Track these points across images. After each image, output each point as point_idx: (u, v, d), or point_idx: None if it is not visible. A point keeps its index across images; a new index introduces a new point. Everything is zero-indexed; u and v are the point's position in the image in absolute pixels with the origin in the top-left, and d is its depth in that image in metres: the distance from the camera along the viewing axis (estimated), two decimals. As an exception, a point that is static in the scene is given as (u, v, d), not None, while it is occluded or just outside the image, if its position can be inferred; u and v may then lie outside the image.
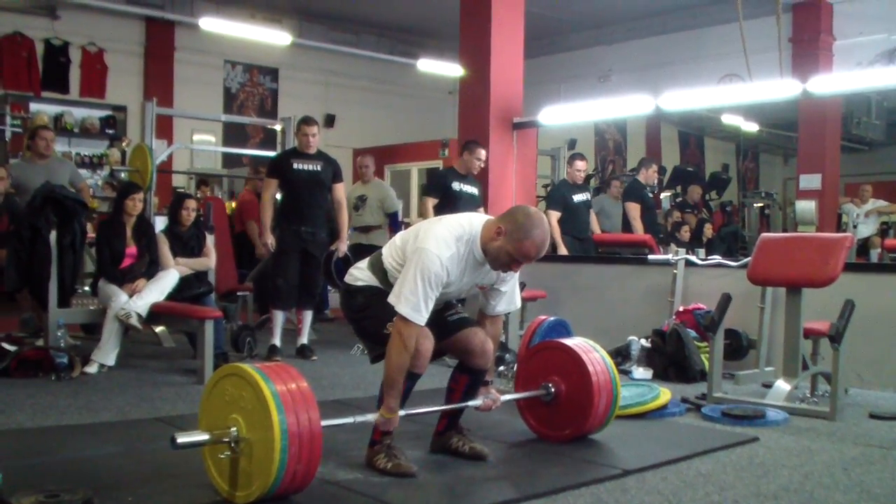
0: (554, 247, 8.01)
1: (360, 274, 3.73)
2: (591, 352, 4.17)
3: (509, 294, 3.80)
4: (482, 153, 7.44)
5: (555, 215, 8.18)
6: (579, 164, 8.47)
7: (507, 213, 3.51)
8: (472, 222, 3.52)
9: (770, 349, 6.28)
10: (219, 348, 6.11)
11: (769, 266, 5.46)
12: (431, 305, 3.42)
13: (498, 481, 3.57)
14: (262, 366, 3.18)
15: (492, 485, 3.52)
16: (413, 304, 3.35)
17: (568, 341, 4.28)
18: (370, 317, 3.65)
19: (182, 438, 3.05)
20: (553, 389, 4.13)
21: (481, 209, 7.49)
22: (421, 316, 3.38)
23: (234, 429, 3.07)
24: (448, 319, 3.74)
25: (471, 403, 3.80)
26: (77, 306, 6.55)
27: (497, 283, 3.71)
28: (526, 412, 4.31)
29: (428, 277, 3.36)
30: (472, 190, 7.46)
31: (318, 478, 3.42)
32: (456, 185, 7.40)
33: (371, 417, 3.51)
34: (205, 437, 3.10)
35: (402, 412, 3.53)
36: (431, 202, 7.51)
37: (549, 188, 8.32)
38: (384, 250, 3.69)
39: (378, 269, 3.67)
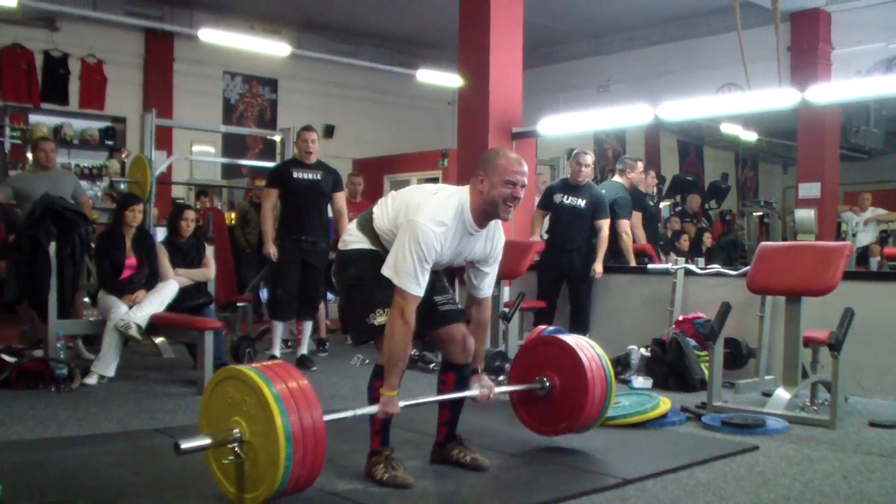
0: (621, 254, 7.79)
1: (350, 238, 3.73)
2: (585, 347, 4.19)
3: (491, 277, 3.83)
4: (585, 159, 7.36)
5: (637, 216, 7.94)
6: (652, 176, 8.32)
7: (477, 165, 3.60)
8: (461, 196, 3.56)
9: (770, 358, 6.27)
10: (219, 359, 6.10)
11: (769, 275, 5.46)
12: (427, 276, 3.47)
13: (498, 491, 3.57)
14: (261, 366, 3.17)
15: (492, 495, 3.52)
16: (411, 277, 3.40)
17: (563, 336, 4.30)
18: (358, 300, 3.65)
19: (186, 444, 3.04)
20: (548, 384, 4.14)
21: (603, 223, 7.35)
22: (419, 288, 3.43)
23: (236, 430, 3.06)
24: (439, 308, 3.76)
25: (468, 394, 3.80)
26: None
27: (481, 263, 3.75)
28: (520, 407, 4.33)
29: (420, 251, 3.40)
30: (575, 202, 7.33)
31: (318, 488, 3.43)
32: (557, 198, 7.39)
33: (373, 409, 3.50)
34: (207, 441, 3.09)
35: (402, 403, 3.52)
36: (540, 214, 7.64)
37: (619, 197, 7.79)
38: (375, 210, 3.69)
39: (368, 229, 3.67)
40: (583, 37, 14.75)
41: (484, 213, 3.55)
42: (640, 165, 8.19)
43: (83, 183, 11.23)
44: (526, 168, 3.58)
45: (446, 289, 3.85)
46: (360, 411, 3.50)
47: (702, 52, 13.25)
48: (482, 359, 3.94)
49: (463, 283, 3.97)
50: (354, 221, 3.80)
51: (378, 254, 3.56)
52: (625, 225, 7.72)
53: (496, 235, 3.74)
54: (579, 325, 7.21)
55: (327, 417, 3.16)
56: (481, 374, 3.87)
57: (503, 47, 8.25)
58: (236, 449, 3.06)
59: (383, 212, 3.64)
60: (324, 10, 13.66)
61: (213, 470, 3.23)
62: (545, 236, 7.75)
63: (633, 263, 7.72)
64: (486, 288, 3.85)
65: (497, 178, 3.48)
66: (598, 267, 7.30)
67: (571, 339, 4.24)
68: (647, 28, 14.05)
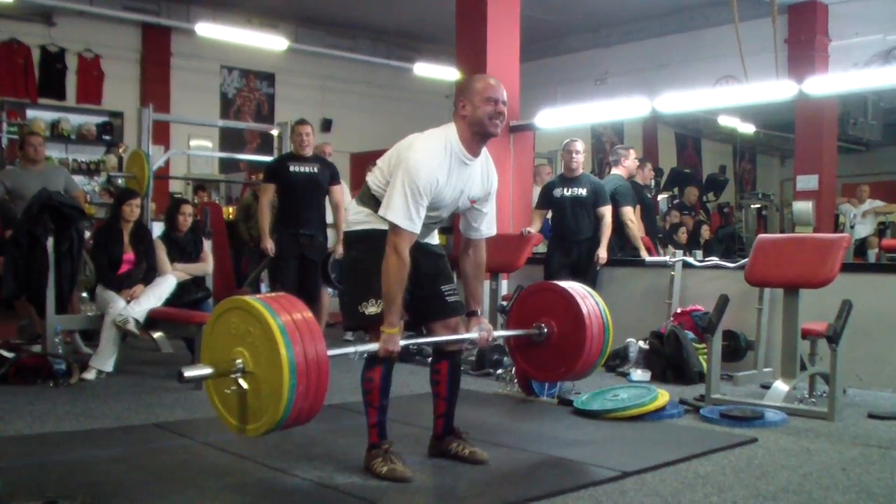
0: (635, 247, 7.67)
1: (353, 217, 3.71)
2: (582, 292, 4.23)
3: (490, 216, 3.85)
4: (575, 146, 7.30)
5: (631, 210, 7.72)
6: (649, 168, 8.25)
7: (456, 95, 3.67)
8: (447, 130, 3.59)
9: (768, 350, 6.28)
10: (217, 353, 6.09)
11: (767, 267, 5.46)
12: (423, 213, 3.47)
13: (496, 485, 3.56)
14: (266, 297, 3.18)
15: (490, 488, 3.51)
16: (404, 212, 3.40)
17: (559, 283, 4.35)
18: (354, 285, 3.64)
19: (189, 372, 3.07)
20: (545, 329, 4.17)
21: (604, 209, 7.22)
22: (413, 224, 3.43)
23: (239, 361, 3.07)
24: (446, 298, 3.76)
25: (468, 336, 3.79)
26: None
27: (480, 203, 3.75)
28: (518, 355, 4.36)
29: (414, 185, 3.40)
30: (576, 192, 7.24)
31: (316, 481, 3.44)
32: (557, 192, 7.32)
33: (374, 347, 3.48)
34: (210, 370, 3.11)
35: (403, 341, 3.50)
36: (539, 213, 7.55)
37: (619, 186, 7.66)
38: (368, 178, 3.69)
39: (368, 198, 3.65)
40: (580, 30, 14.73)
41: (473, 136, 3.57)
42: (633, 153, 8.11)
43: (81, 178, 11.29)
44: (504, 89, 3.60)
45: (451, 278, 3.84)
46: (361, 348, 3.49)
47: (699, 45, 13.24)
48: (481, 300, 3.92)
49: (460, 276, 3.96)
50: (355, 198, 3.78)
51: (379, 234, 3.52)
52: (628, 212, 7.64)
53: (489, 169, 3.76)
54: None
55: (331, 352, 3.18)
56: (480, 317, 3.85)
57: (500, 41, 8.24)
58: (239, 379, 3.06)
59: (376, 174, 3.64)
60: (321, 5, 13.64)
61: (214, 402, 3.25)
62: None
63: (641, 250, 7.64)
64: (486, 229, 3.86)
65: (478, 98, 3.53)
66: (602, 252, 7.21)
67: (567, 285, 4.27)
68: (645, 21, 14.04)
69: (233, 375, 3.07)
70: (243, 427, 3.12)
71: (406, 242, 3.43)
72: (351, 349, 3.47)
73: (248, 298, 3.13)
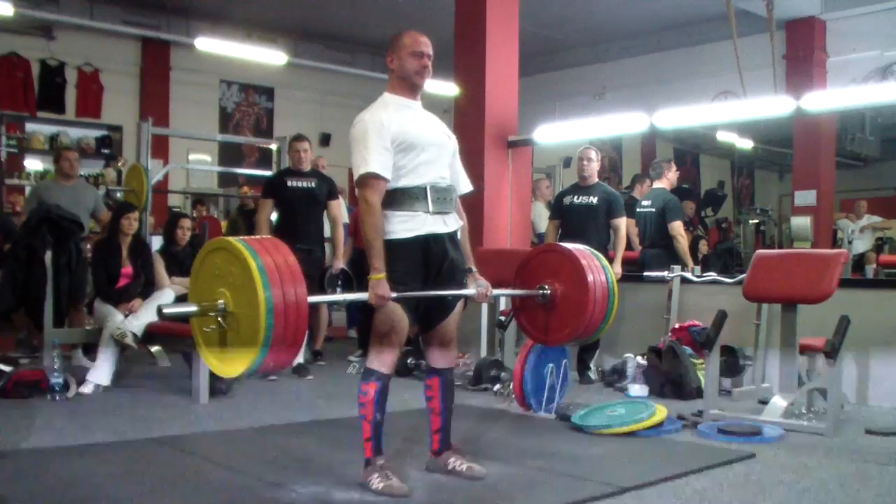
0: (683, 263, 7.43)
1: None
2: (586, 254, 4.21)
3: (462, 172, 3.97)
4: (588, 153, 7.19)
5: (631, 222, 7.68)
6: (647, 184, 8.22)
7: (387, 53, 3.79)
8: (381, 97, 3.76)
9: (766, 366, 6.28)
10: (215, 368, 6.09)
11: (765, 282, 5.46)
12: (389, 159, 3.53)
13: (494, 500, 3.54)
14: (250, 239, 3.20)
15: None
16: (366, 160, 3.49)
17: (564, 244, 4.36)
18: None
19: (169, 309, 3.12)
20: (549, 291, 4.15)
21: (619, 221, 7.04)
22: (377, 165, 3.49)
23: (221, 301, 3.09)
24: (449, 303, 3.75)
25: (465, 292, 3.75)
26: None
27: (452, 148, 3.87)
28: (521, 316, 4.34)
29: (366, 135, 3.52)
30: (587, 200, 7.07)
31: (314, 497, 3.43)
32: (567, 200, 7.19)
33: (364, 296, 3.45)
34: (192, 308, 3.13)
35: (394, 294, 3.45)
36: (553, 224, 7.41)
37: (667, 200, 7.58)
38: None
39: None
40: (579, 45, 14.77)
41: (403, 88, 3.72)
42: (674, 166, 8.02)
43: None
44: (428, 42, 3.72)
45: (462, 284, 3.77)
46: (349, 297, 3.50)
47: (698, 60, 13.28)
48: (472, 258, 3.89)
49: None
50: None
51: (395, 243, 3.53)
52: (678, 227, 7.51)
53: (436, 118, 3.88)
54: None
55: (312, 299, 3.18)
56: (475, 274, 3.82)
57: (499, 55, 8.25)
58: (219, 319, 3.08)
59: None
60: (320, 19, 13.70)
61: (197, 340, 3.27)
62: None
63: (689, 265, 7.43)
64: (463, 185, 3.95)
65: (405, 52, 3.68)
66: (617, 268, 6.91)
67: (572, 247, 4.26)
68: (644, 36, 14.08)
69: (213, 314, 3.09)
70: (222, 367, 3.15)
71: (373, 191, 3.49)
72: (339, 297, 3.49)
73: (233, 239, 3.15)
